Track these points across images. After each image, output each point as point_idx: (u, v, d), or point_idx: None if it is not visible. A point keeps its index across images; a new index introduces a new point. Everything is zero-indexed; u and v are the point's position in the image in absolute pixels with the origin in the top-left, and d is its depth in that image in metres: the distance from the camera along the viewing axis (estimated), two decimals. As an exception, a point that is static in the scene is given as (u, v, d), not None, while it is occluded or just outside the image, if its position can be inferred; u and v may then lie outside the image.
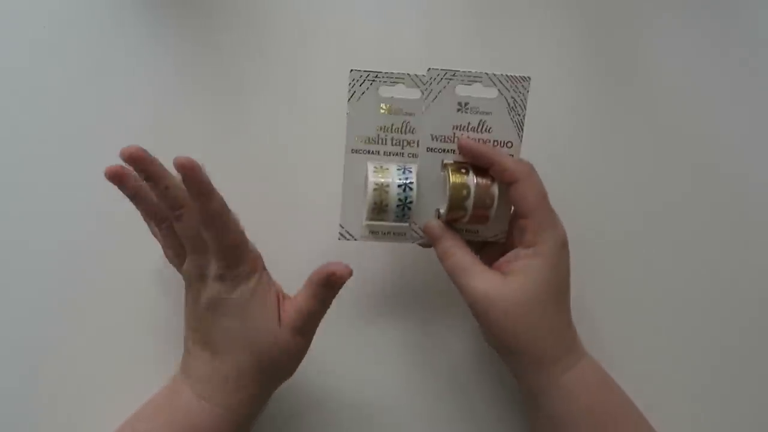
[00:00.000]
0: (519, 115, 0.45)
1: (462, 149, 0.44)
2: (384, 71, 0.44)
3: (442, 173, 0.45)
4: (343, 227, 0.45)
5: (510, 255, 0.44)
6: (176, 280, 0.45)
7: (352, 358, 0.50)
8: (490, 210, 0.44)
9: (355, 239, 0.45)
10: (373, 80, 0.44)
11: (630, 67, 0.54)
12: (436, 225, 0.44)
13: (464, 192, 0.44)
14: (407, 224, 0.45)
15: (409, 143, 0.45)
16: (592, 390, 0.42)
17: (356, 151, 0.45)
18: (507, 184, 0.43)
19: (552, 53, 0.54)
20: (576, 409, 0.41)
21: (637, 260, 0.53)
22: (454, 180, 0.44)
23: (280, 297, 0.43)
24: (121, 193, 0.42)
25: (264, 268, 0.43)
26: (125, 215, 0.44)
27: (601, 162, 0.53)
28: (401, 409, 0.50)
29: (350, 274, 0.41)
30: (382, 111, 0.44)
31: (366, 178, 0.44)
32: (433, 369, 0.50)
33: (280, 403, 0.48)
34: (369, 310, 0.51)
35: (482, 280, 0.42)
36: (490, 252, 0.47)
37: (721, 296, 0.53)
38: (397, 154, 0.45)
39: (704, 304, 0.52)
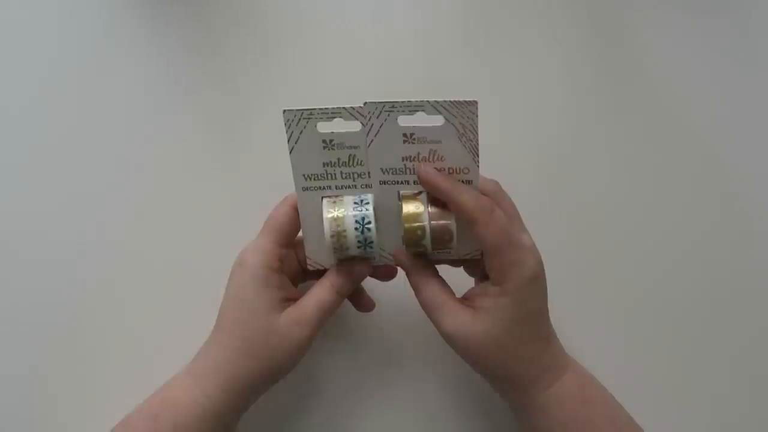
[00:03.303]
0: (471, 140, 0.40)
1: (422, 182, 0.41)
2: (318, 107, 0.40)
3: (399, 203, 0.42)
4: (311, 258, 0.45)
5: (480, 289, 0.42)
6: (176, 280, 0.48)
7: (346, 358, 0.51)
8: (450, 243, 0.42)
9: (326, 268, 0.45)
10: (309, 117, 0.41)
11: (630, 67, 0.54)
12: (404, 255, 0.43)
13: (418, 233, 0.41)
14: (372, 254, 0.43)
15: (359, 175, 0.42)
16: (573, 405, 0.42)
17: (307, 189, 0.43)
18: (465, 222, 0.40)
19: (552, 53, 0.54)
20: (555, 424, 0.41)
21: (636, 260, 0.52)
22: (406, 223, 0.41)
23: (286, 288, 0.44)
24: (121, 192, 0.48)
25: None
26: (126, 215, 0.46)
27: (601, 161, 0.53)
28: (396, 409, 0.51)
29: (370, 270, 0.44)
30: (324, 147, 0.41)
31: (322, 215, 0.42)
32: (427, 369, 0.51)
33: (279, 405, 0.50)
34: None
35: (451, 318, 0.41)
36: (473, 263, 0.45)
37: (722, 294, 0.52)
38: (349, 187, 0.43)
39: (705, 303, 0.51)
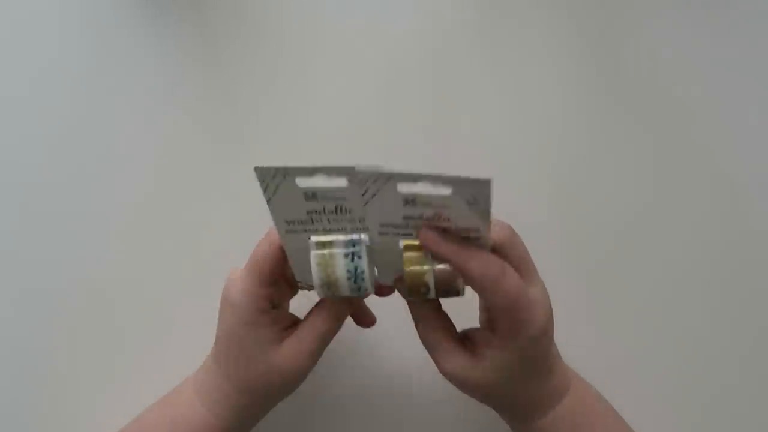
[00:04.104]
0: (482, 209, 0.33)
1: (425, 247, 0.36)
2: (294, 166, 0.33)
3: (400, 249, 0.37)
4: (302, 282, 0.41)
5: (483, 336, 0.40)
6: (177, 279, 0.48)
7: (344, 367, 0.51)
8: (458, 294, 0.38)
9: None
10: (285, 175, 0.33)
11: (631, 67, 0.54)
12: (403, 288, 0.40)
13: (422, 290, 0.37)
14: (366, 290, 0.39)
15: (350, 221, 0.36)
16: (572, 423, 0.42)
17: (292, 232, 0.37)
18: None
19: (552, 53, 0.54)
20: None
21: (636, 259, 0.52)
22: (410, 281, 0.37)
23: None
24: (122, 195, 0.49)
25: None
26: (127, 217, 0.47)
27: (602, 161, 0.53)
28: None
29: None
30: (307, 199, 0.35)
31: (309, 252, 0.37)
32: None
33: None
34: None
35: (450, 361, 0.39)
36: None
37: (721, 293, 0.52)
38: (340, 230, 0.37)
39: (704, 303, 0.52)
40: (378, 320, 0.46)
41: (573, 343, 0.44)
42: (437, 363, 0.40)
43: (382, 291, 0.42)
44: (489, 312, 0.39)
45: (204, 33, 0.53)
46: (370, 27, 0.53)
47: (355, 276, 0.37)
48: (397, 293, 0.42)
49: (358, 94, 0.52)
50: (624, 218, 0.52)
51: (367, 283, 0.37)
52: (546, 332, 0.38)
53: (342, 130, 0.49)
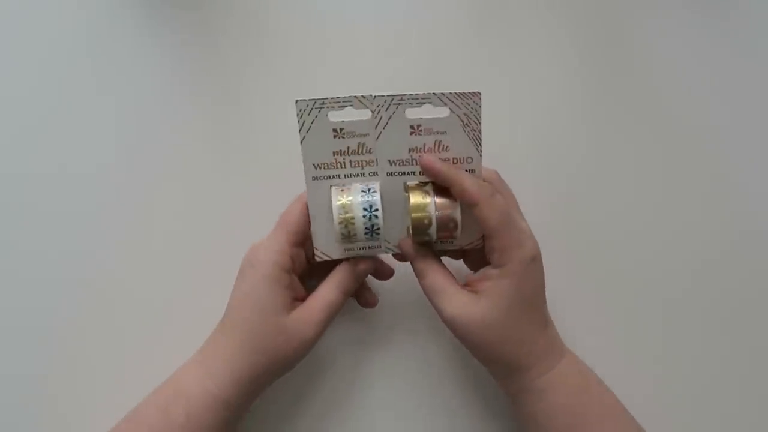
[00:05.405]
0: (474, 130, 0.42)
1: (424, 169, 0.43)
2: (330, 96, 0.42)
3: (405, 194, 0.44)
4: (318, 249, 0.46)
5: (481, 273, 0.44)
6: (180, 277, 0.49)
7: (346, 351, 0.52)
8: (455, 231, 0.43)
9: (333, 258, 0.46)
10: (321, 107, 0.42)
11: (631, 66, 0.54)
12: (409, 244, 0.45)
13: (425, 221, 0.43)
14: (378, 243, 0.45)
15: (368, 163, 0.44)
16: (570, 390, 0.43)
17: (317, 178, 0.44)
18: (467, 206, 0.42)
19: (551, 53, 0.54)
20: (552, 408, 0.43)
21: (635, 259, 0.52)
22: (414, 213, 0.43)
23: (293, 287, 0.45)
24: (123, 189, 0.49)
25: None
26: (126, 216, 0.47)
27: (601, 158, 0.53)
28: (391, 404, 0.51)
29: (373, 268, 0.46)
30: (334, 136, 0.43)
31: (331, 203, 0.44)
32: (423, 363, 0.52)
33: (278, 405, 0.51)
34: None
35: (453, 302, 0.42)
36: (473, 255, 0.46)
37: (722, 292, 0.52)
38: (357, 176, 0.44)
39: (704, 302, 0.52)
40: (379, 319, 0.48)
41: (575, 341, 0.45)
42: (440, 309, 0.43)
43: (382, 271, 0.47)
44: (484, 239, 0.43)
45: (204, 33, 0.53)
46: (371, 27, 0.54)
47: (372, 231, 0.43)
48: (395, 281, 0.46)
49: (358, 92, 0.48)
50: (624, 218, 0.52)
51: (381, 224, 0.43)
52: (536, 260, 0.42)
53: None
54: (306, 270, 0.47)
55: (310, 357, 0.45)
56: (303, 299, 0.45)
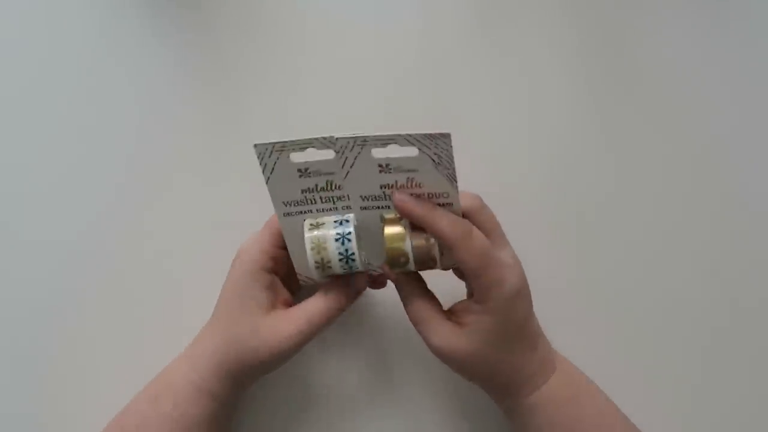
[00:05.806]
0: (448, 169, 0.38)
1: (397, 210, 0.40)
2: (289, 140, 0.39)
3: (381, 225, 0.42)
4: (301, 275, 0.45)
5: (464, 305, 0.42)
6: (176, 276, 0.50)
7: (336, 358, 0.51)
8: (435, 265, 0.41)
9: (316, 281, 0.45)
10: (282, 150, 0.39)
11: (631, 68, 0.54)
12: (390, 272, 0.43)
13: (402, 259, 0.41)
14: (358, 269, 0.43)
15: (339, 198, 0.41)
16: (560, 404, 0.43)
17: (289, 214, 0.42)
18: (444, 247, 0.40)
19: (553, 54, 0.54)
20: (544, 423, 0.43)
21: (635, 258, 0.51)
22: (389, 252, 0.41)
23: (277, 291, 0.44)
24: (121, 189, 0.50)
25: None
26: (126, 214, 0.47)
27: (601, 162, 0.53)
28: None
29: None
30: (300, 176, 0.40)
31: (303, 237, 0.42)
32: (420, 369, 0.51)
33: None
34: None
35: (438, 333, 0.42)
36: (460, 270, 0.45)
37: (722, 292, 0.51)
38: (330, 210, 0.42)
39: (704, 302, 0.51)
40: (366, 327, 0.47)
41: (570, 342, 0.45)
42: (426, 338, 0.42)
43: (375, 283, 0.45)
44: (465, 278, 0.42)
45: (209, 33, 0.54)
46: (371, 28, 0.54)
47: (346, 258, 0.41)
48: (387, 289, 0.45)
49: (359, 94, 0.53)
50: (625, 218, 0.52)
51: (358, 263, 0.41)
52: (519, 294, 0.40)
53: (342, 130, 0.48)
54: (297, 281, 0.46)
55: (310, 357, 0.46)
56: (287, 305, 0.44)
